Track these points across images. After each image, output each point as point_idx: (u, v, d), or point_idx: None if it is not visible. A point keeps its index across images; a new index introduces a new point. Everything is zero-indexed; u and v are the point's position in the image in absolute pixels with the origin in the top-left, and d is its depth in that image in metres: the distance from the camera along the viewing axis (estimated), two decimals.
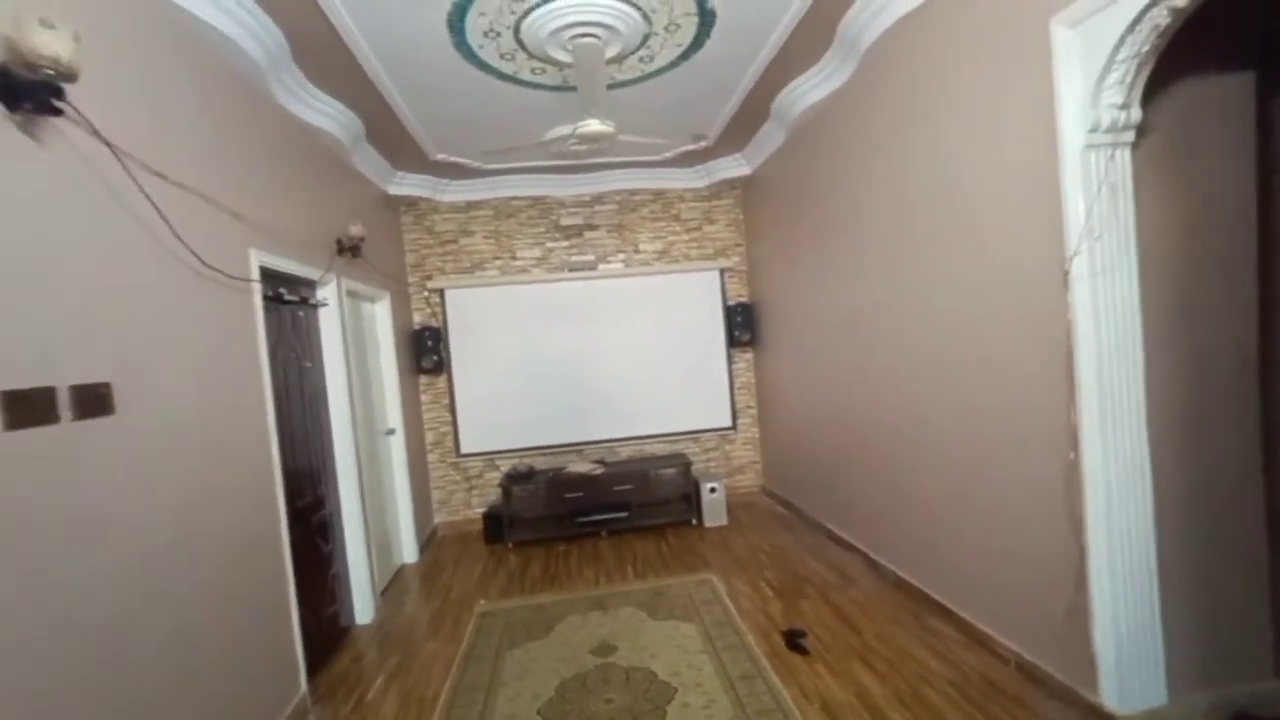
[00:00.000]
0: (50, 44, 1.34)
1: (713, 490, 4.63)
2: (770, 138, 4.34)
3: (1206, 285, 1.99)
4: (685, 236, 5.34)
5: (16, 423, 1.36)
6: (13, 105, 1.39)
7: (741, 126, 4.26)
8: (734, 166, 5.01)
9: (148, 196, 1.80)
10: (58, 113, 1.44)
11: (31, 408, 1.40)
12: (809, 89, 3.57)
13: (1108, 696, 1.97)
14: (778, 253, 4.68)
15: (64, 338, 1.53)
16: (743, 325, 5.23)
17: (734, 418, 5.38)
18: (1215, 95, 1.96)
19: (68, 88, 1.44)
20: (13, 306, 1.39)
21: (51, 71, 1.37)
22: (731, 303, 5.31)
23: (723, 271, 5.33)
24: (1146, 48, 1.74)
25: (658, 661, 2.73)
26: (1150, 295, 1.96)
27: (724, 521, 4.66)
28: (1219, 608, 2.02)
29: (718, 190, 5.32)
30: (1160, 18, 1.66)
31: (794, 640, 2.80)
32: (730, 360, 5.35)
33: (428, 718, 2.47)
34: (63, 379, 1.50)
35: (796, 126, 3.96)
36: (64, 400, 1.50)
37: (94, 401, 1.59)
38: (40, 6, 1.44)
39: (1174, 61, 1.88)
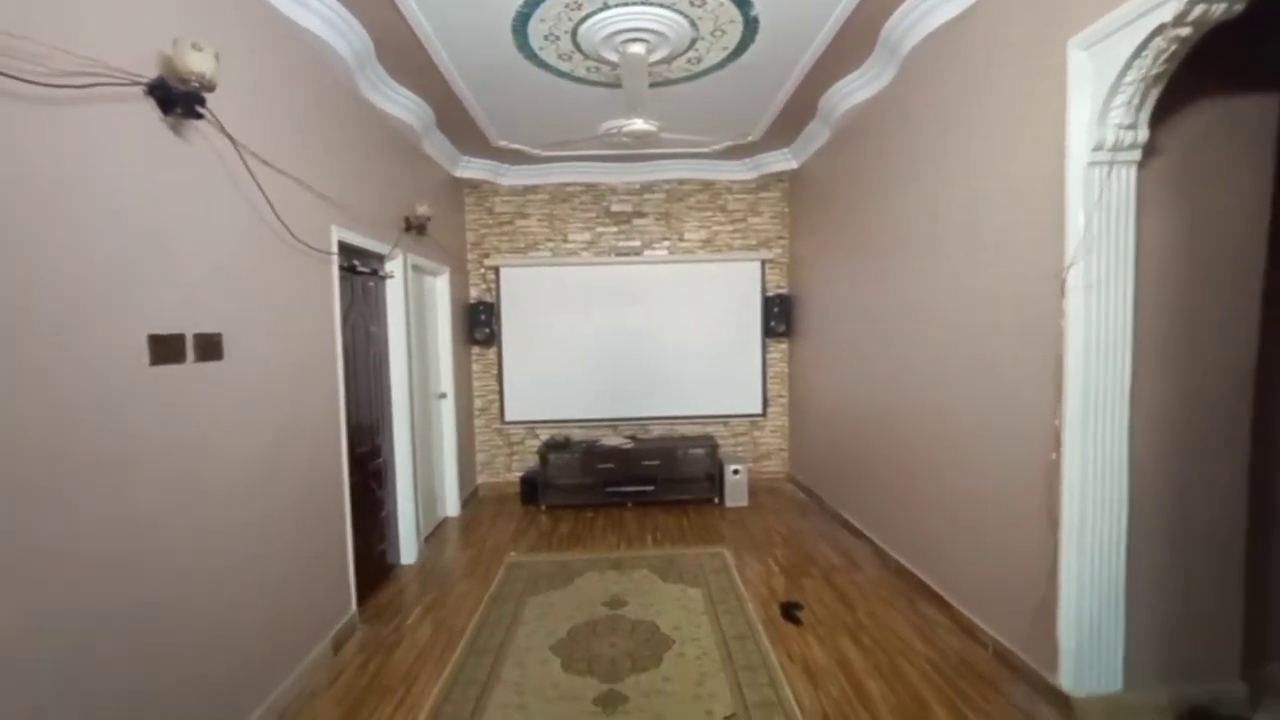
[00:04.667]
0: (199, 63, 1.70)
1: (735, 472, 4.85)
2: (816, 135, 4.45)
3: (1207, 305, 2.06)
4: (730, 227, 5.51)
5: (157, 360, 1.75)
6: (167, 110, 1.76)
7: (788, 123, 4.38)
8: (781, 161, 5.13)
9: (257, 182, 2.17)
10: (200, 117, 1.80)
11: (168, 349, 1.79)
12: (852, 90, 3.67)
13: (1065, 680, 2.12)
14: (817, 247, 4.80)
15: (192, 295, 1.91)
16: (779, 316, 5.38)
17: (764, 405, 5.56)
18: (1232, 118, 2.01)
19: (207, 96, 1.80)
20: (160, 269, 1.78)
21: (197, 85, 1.73)
22: (770, 293, 5.46)
23: (764, 263, 5.48)
24: (1154, 72, 1.83)
25: (662, 617, 3.01)
26: (1146, 310, 2.05)
27: (744, 503, 4.88)
28: (1189, 611, 2.11)
29: (765, 183, 5.45)
30: (1166, 44, 1.75)
31: (790, 611, 3.02)
32: (765, 349, 5.51)
33: (455, 643, 2.84)
34: (190, 328, 1.89)
35: (840, 126, 4.06)
36: (189, 344, 1.88)
37: (210, 348, 1.98)
38: (190, 29, 1.81)
39: (1190, 84, 1.95)
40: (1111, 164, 1.95)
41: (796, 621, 2.95)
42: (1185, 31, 1.68)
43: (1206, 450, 2.09)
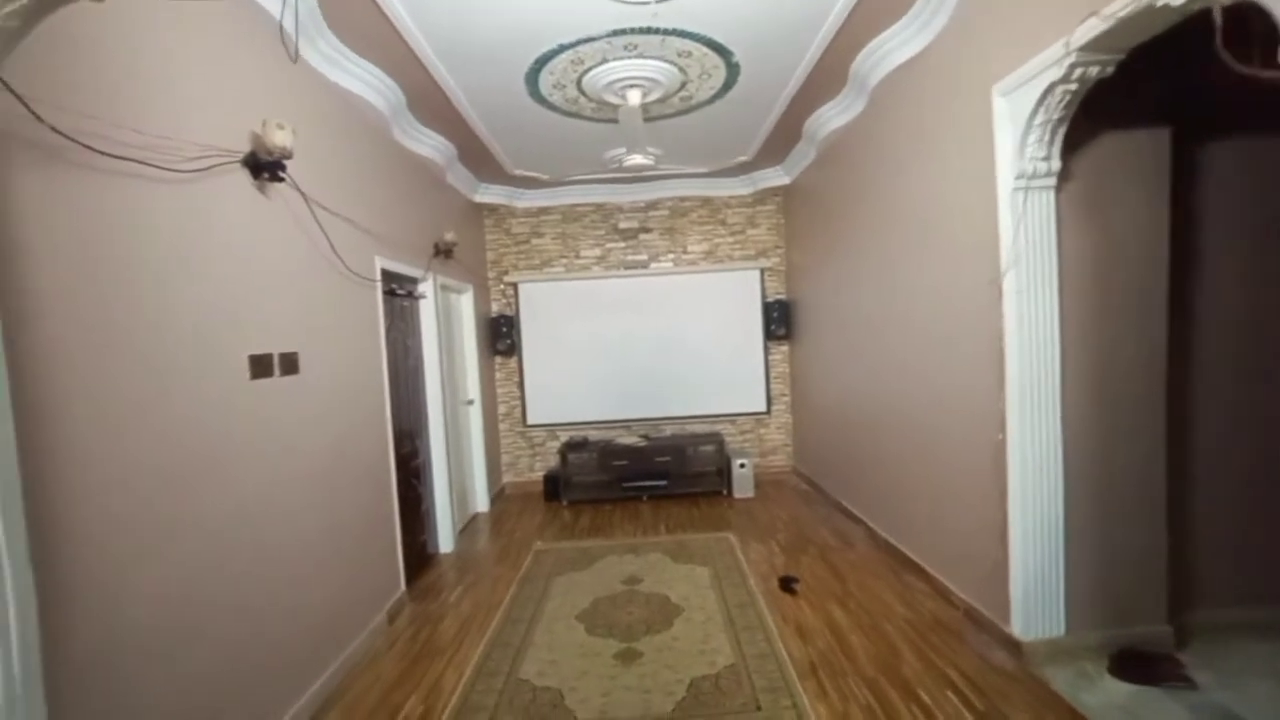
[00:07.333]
0: (282, 138, 2.15)
1: (742, 466, 5.23)
2: (804, 155, 4.84)
3: (1119, 304, 2.42)
4: (730, 239, 5.91)
5: (255, 375, 2.20)
6: (256, 175, 2.22)
7: (778, 144, 4.78)
8: (775, 177, 5.53)
9: (321, 226, 2.63)
10: (281, 180, 2.26)
11: (261, 366, 2.24)
12: (831, 117, 4.06)
13: (1015, 627, 2.48)
14: (810, 256, 5.18)
15: (275, 321, 2.36)
16: (779, 320, 5.76)
17: (769, 403, 5.93)
18: (1133, 148, 2.37)
19: (287, 163, 2.25)
20: (254, 302, 2.23)
21: (280, 155, 2.18)
22: (770, 299, 5.84)
23: (763, 271, 5.86)
24: (1056, 116, 2.21)
25: (673, 591, 3.41)
26: (1069, 309, 2.42)
27: (751, 494, 5.26)
28: (1119, 563, 2.46)
29: (761, 197, 5.84)
30: (1061, 96, 2.12)
31: (787, 584, 3.39)
32: (767, 351, 5.89)
33: (493, 615, 3.26)
34: (275, 348, 2.34)
35: (823, 147, 4.45)
36: (276, 362, 2.34)
37: (290, 364, 2.43)
38: (269, 108, 2.28)
39: (1096, 121, 2.32)
40: (1028, 189, 2.33)
41: (792, 592, 3.32)
42: (1073, 87, 2.05)
43: (1126, 426, 2.44)
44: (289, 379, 2.43)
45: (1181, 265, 2.49)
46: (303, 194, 2.49)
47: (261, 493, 2.23)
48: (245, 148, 2.20)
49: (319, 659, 2.52)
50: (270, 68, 2.44)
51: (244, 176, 2.21)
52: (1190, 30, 1.77)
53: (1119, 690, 2.30)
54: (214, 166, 2.02)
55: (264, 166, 2.22)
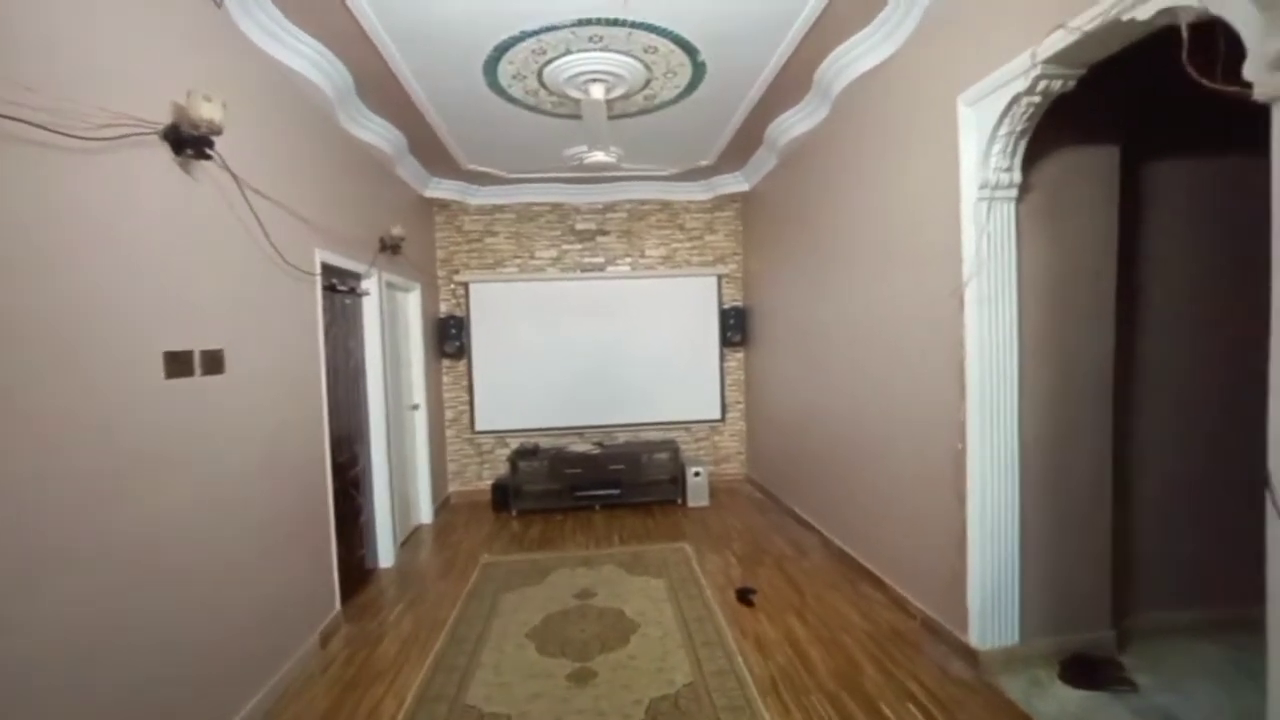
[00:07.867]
0: (209, 111, 1.93)
1: (697, 474, 5.17)
2: (764, 161, 4.85)
3: (1072, 316, 2.48)
4: (688, 244, 5.87)
5: (171, 374, 1.96)
6: (179, 151, 1.98)
7: (739, 150, 4.77)
8: (734, 183, 5.53)
9: (254, 213, 2.40)
10: (209, 158, 2.03)
11: (180, 364, 2.00)
12: (794, 123, 4.07)
13: (973, 637, 2.49)
14: (768, 264, 5.19)
15: (198, 315, 2.12)
16: (735, 327, 5.75)
17: (723, 411, 5.90)
18: (1086, 163, 2.44)
19: (215, 139, 2.03)
20: (173, 292, 1.99)
21: (207, 130, 1.96)
22: (726, 306, 5.83)
23: (720, 277, 5.85)
24: (1020, 128, 2.24)
25: (628, 605, 3.29)
26: (1028, 318, 2.46)
27: (706, 503, 5.20)
28: (1068, 573, 2.51)
29: (720, 203, 5.83)
30: (1024, 108, 2.15)
31: (744, 596, 3.33)
32: (722, 359, 5.87)
33: (438, 634, 3.05)
34: (196, 345, 2.10)
35: (785, 153, 4.47)
36: (197, 360, 2.09)
37: (213, 362, 2.18)
38: (196, 78, 2.05)
39: (1054, 135, 2.37)
40: (991, 200, 2.36)
41: (750, 604, 3.26)
42: (1036, 99, 2.09)
43: (1078, 436, 2.50)
44: (212, 379, 2.19)
45: (1130, 280, 2.58)
46: (234, 175, 2.26)
47: (178, 507, 1.98)
48: (166, 119, 1.97)
49: (243, 687, 2.27)
50: (198, 34, 2.21)
51: (164, 152, 1.97)
52: (1146, 49, 1.82)
53: (1070, 697, 2.33)
54: (127, 136, 1.79)
55: (188, 141, 1.98)
